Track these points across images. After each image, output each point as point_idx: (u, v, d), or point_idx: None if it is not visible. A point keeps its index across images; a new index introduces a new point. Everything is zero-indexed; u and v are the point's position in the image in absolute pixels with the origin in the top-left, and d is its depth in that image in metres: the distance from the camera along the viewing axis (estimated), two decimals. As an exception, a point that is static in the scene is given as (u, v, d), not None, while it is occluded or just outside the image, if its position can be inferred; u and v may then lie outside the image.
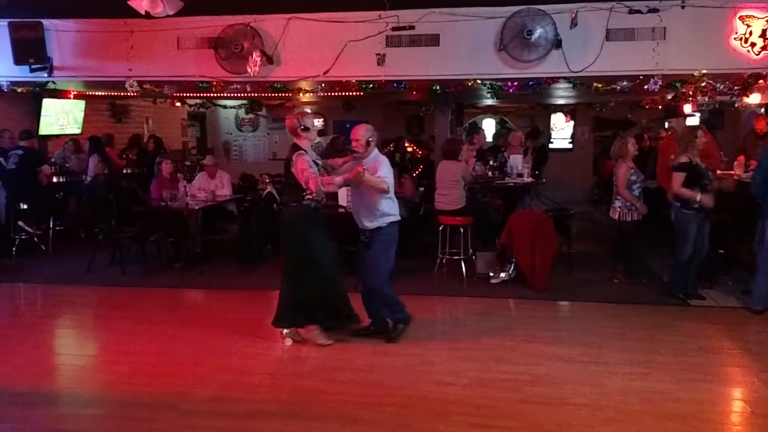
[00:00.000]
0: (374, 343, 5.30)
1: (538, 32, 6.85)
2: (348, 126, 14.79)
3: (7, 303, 7.14)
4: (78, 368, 4.98)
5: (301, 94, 9.25)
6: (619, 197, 6.90)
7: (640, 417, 3.94)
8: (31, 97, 9.41)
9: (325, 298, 5.23)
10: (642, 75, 7.04)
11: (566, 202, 9.09)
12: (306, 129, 5.11)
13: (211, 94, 10.90)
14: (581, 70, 7.00)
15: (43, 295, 7.27)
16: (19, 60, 7.79)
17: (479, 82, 7.51)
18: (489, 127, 15.40)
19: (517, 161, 8.42)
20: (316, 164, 5.09)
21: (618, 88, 7.59)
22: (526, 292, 6.81)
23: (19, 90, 8.63)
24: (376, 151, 5.24)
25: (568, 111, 15.15)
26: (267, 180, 9.36)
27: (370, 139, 5.13)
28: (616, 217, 6.97)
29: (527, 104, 14.35)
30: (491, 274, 7.26)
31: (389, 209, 5.21)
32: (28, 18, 7.69)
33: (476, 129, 11.85)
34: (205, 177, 8.70)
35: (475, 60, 7.25)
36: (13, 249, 8.56)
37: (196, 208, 7.84)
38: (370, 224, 5.15)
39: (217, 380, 4.54)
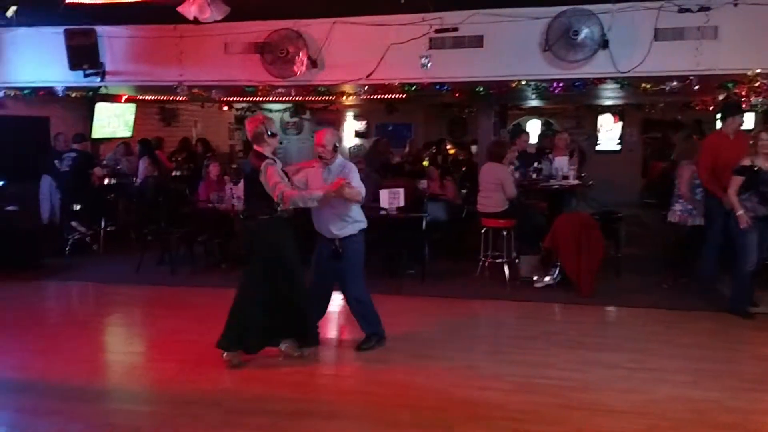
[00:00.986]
0: (415, 346, 5.29)
1: (584, 32, 6.74)
2: (390, 129, 15.05)
3: (59, 301, 7.41)
4: (127, 365, 5.13)
5: (344, 97, 9.31)
6: (680, 200, 6.71)
7: (687, 426, 3.83)
8: (84, 102, 9.75)
9: (301, 313, 4.93)
10: (692, 75, 6.85)
11: (614, 205, 8.89)
12: (273, 135, 4.82)
13: (257, 98, 11.07)
14: (629, 71, 6.84)
15: (94, 293, 7.51)
16: (73, 66, 8.06)
17: (524, 83, 7.43)
18: (534, 128, 15.21)
19: (562, 163, 8.29)
20: (285, 174, 4.84)
21: (667, 88, 7.40)
22: (571, 297, 6.70)
23: (73, 95, 8.93)
24: (340, 157, 5.05)
25: (616, 112, 14.84)
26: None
27: (337, 144, 4.99)
28: (676, 220, 6.78)
29: (573, 105, 14.12)
30: (535, 278, 7.17)
31: (359, 216, 5.07)
32: (81, 25, 7.96)
33: (519, 131, 11.73)
34: (250, 179, 8.83)
35: (520, 61, 7.17)
36: (66, 248, 8.88)
37: (240, 209, 7.97)
38: (340, 232, 4.97)
39: (261, 379, 4.61)
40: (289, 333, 4.93)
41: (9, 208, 8.19)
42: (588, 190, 8.76)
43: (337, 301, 6.91)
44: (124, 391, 4.59)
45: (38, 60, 8.35)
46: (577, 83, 7.37)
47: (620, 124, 15.00)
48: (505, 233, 7.26)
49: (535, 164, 8.64)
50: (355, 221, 5.01)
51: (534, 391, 4.33)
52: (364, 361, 5.03)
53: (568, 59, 6.90)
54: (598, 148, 14.84)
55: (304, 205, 4.79)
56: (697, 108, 12.23)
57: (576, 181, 8.22)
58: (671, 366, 4.78)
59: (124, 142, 10.81)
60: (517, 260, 7.37)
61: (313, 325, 5.07)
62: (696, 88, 7.21)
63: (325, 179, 4.90)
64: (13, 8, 6.56)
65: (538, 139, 13.53)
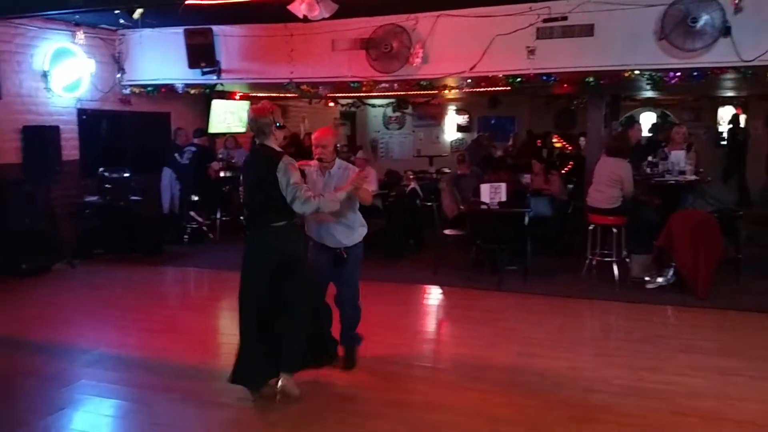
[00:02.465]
0: (517, 344, 5.21)
1: (704, 19, 6.34)
2: (493, 122, 14.81)
3: (178, 285, 7.92)
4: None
5: (446, 91, 9.28)
6: None
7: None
8: (201, 98, 10.32)
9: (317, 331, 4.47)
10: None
11: (734, 203, 8.32)
12: (281, 127, 4.17)
13: (362, 94, 11.26)
14: (753, 60, 6.36)
15: (209, 279, 7.96)
16: (192, 64, 8.55)
17: (637, 73, 7.09)
18: (648, 120, 14.47)
19: (679, 157, 7.82)
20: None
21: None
22: (686, 299, 6.33)
23: (192, 92, 9.47)
24: (339, 159, 4.52)
25: (739, 104, 13.81)
26: (411, 176, 9.53)
27: (338, 146, 4.62)
28: None
29: (691, 96, 13.28)
30: (647, 278, 6.83)
31: (362, 221, 4.63)
32: (199, 25, 8.43)
33: (631, 123, 11.19)
34: (354, 173, 9.01)
35: (633, 50, 6.85)
36: (185, 236, 9.47)
37: (345, 202, 8.14)
38: (349, 241, 4.49)
39: (360, 366, 4.68)
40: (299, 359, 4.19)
41: (133, 198, 8.84)
42: (706, 187, 8.22)
43: (435, 296, 6.96)
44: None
45: (160, 59, 8.94)
46: (695, 73, 6.93)
47: (744, 116, 13.95)
48: (615, 230, 6.96)
49: (649, 158, 8.21)
50: (361, 226, 4.59)
51: (642, 396, 4.14)
52: (462, 357, 5.01)
53: (686, 48, 6.52)
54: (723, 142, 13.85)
55: (328, 209, 4.14)
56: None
57: (693, 177, 7.75)
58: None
59: (233, 135, 11.30)
60: (627, 259, 7.05)
61: (329, 339, 4.67)
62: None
63: (326, 184, 4.37)
64: (139, 11, 7.06)
65: (651, 131, 12.86)
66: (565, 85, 8.43)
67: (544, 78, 7.51)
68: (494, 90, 9.50)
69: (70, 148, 8.62)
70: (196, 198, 9.56)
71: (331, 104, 14.30)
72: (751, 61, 6.39)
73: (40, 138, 7.99)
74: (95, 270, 7.95)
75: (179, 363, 4.82)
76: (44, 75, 8.23)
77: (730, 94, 12.45)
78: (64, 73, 8.43)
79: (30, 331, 5.62)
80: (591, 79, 7.58)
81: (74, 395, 4.29)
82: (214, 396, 4.27)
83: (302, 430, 3.75)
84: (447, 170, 11.19)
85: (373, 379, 4.49)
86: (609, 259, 7.00)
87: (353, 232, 4.52)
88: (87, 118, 8.93)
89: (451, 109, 15.74)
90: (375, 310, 6.23)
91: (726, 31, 6.29)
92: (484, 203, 7.15)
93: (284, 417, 3.91)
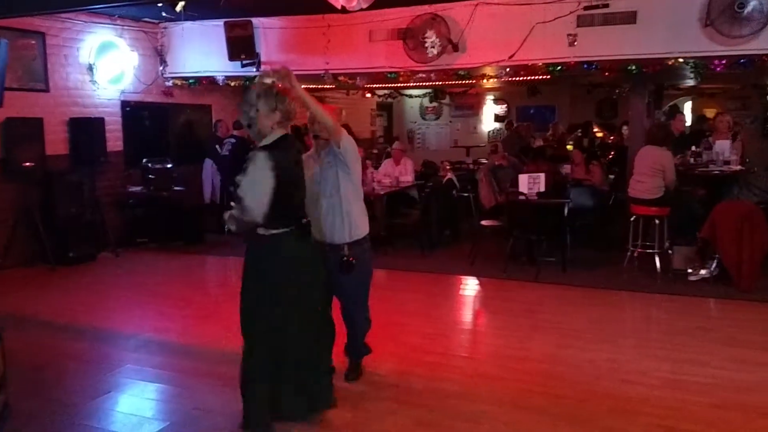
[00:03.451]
0: (555, 335, 5.16)
1: (752, 4, 6.15)
2: (532, 112, 14.62)
3: (218, 273, 8.08)
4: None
5: (484, 81, 9.19)
6: None
7: None
8: (241, 90, 10.45)
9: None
10: None
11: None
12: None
13: (399, 85, 11.25)
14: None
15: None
16: (232, 56, 8.68)
17: (681, 60, 6.92)
18: (694, 111, 14.11)
19: (723, 147, 7.63)
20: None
21: None
22: (730, 292, 6.18)
23: (232, 84, 9.62)
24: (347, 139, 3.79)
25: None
26: (447, 167, 9.50)
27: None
28: None
29: (738, 85, 12.87)
30: (690, 270, 6.68)
31: (363, 211, 4.00)
32: (239, 17, 8.53)
33: (675, 112, 10.93)
34: (390, 163, 9.05)
35: (677, 37, 6.69)
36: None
37: (382, 193, 8.19)
38: (350, 237, 3.83)
39: (397, 355, 4.72)
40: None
41: (176, 188, 9.03)
42: (752, 177, 7.99)
43: (471, 287, 6.94)
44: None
45: (201, 51, 9.10)
46: (742, 60, 6.73)
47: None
48: (657, 222, 6.83)
49: (693, 148, 8.02)
50: (363, 214, 3.95)
51: (683, 389, 4.07)
52: (499, 348, 5.00)
53: (732, 34, 6.34)
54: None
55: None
56: None
57: (738, 167, 7.54)
58: None
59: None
60: (670, 251, 6.90)
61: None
62: None
63: (323, 169, 3.82)
64: (181, 3, 7.18)
65: (696, 121, 12.54)
66: (607, 74, 8.27)
67: (585, 66, 7.39)
68: (534, 79, 9.38)
69: (115, 139, 8.85)
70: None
71: (368, 95, 14.32)
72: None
73: (86, 129, 8.23)
74: (139, 258, 8.17)
75: (221, 349, 4.90)
76: (90, 68, 8.47)
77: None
78: (108, 65, 8.65)
79: (77, 317, 5.82)
80: (633, 67, 7.42)
81: (119, 379, 4.43)
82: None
83: (344, 414, 3.79)
84: (484, 161, 11.12)
85: (411, 368, 4.51)
86: (651, 251, 6.87)
87: (356, 228, 3.84)
88: (130, 110, 9.15)
89: (489, 99, 15.61)
90: (411, 299, 6.31)
91: (771, 20, 6.10)
92: (522, 194, 7.08)
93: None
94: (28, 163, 7.49)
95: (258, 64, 8.75)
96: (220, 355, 4.79)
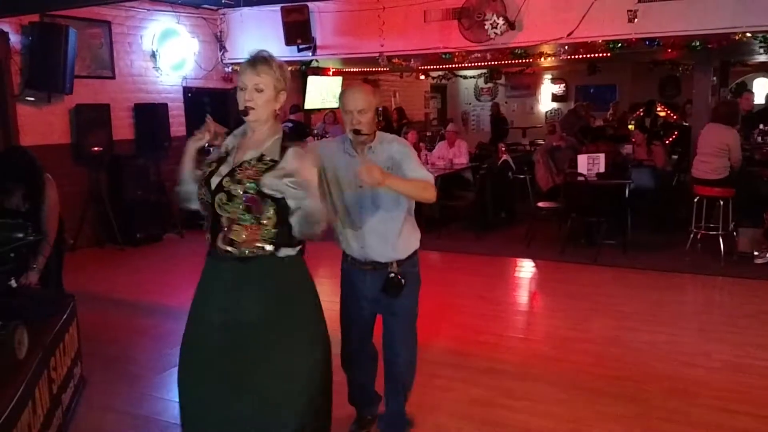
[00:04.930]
0: (615, 318, 5.08)
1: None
2: (591, 91, 14.28)
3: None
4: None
5: (541, 59, 9.03)
6: None
7: None
8: (297, 75, 10.59)
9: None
10: None
11: None
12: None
13: (453, 65, 11.16)
14: None
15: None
16: (288, 41, 8.79)
17: (749, 35, 6.62)
18: (762, 87, 13.47)
19: (794, 125, 7.29)
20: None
21: None
22: (798, 276, 5.95)
23: (289, 68, 9.73)
24: (382, 133, 2.96)
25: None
26: (503, 149, 9.41)
27: (380, 110, 3.41)
28: None
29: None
30: (756, 253, 6.44)
31: (414, 223, 3.10)
32: (295, 2, 8.62)
33: (742, 90, 10.46)
34: (444, 146, 9.02)
35: (746, 10, 6.39)
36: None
37: (435, 175, 8.18)
38: (399, 253, 2.96)
39: (454, 335, 4.76)
40: None
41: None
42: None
43: (527, 269, 6.89)
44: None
45: (259, 36, 9.23)
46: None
47: None
48: (721, 203, 6.59)
49: (761, 126, 7.69)
50: (415, 229, 3.08)
51: (744, 372, 3.97)
52: (556, 328, 4.97)
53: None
54: None
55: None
56: None
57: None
58: None
59: (332, 110, 11.56)
60: (735, 233, 6.67)
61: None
62: None
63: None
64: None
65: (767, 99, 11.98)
66: (669, 50, 8.00)
67: (647, 43, 7.16)
68: (593, 57, 9.15)
69: (178, 124, 9.12)
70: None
71: (422, 77, 14.27)
72: None
73: (150, 115, 8.52)
74: (202, 239, 8.37)
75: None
76: (153, 55, 8.74)
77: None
78: (170, 52, 8.91)
79: (145, 295, 6.09)
80: (697, 43, 7.15)
81: (185, 353, 4.62)
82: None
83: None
84: (541, 142, 10.95)
85: (466, 347, 4.54)
86: (714, 233, 6.65)
87: (407, 240, 3.00)
88: (192, 95, 9.40)
89: (547, 78, 15.30)
90: (465, 281, 6.32)
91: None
92: (581, 174, 6.96)
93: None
94: (96, 148, 7.82)
95: (314, 49, 8.84)
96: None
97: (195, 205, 2.51)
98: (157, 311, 5.55)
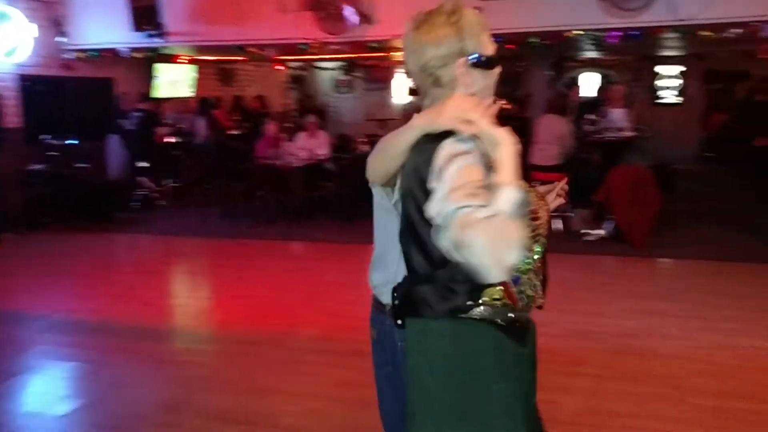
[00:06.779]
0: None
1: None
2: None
3: (130, 252, 7.88)
4: (195, 309, 5.48)
5: (398, 53, 9.33)
6: None
7: (732, 370, 3.88)
8: (147, 63, 10.09)
9: None
10: (755, 21, 6.59)
11: (675, 159, 8.73)
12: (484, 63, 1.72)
13: (310, 56, 11.19)
14: (689, 18, 6.64)
15: (161, 245, 7.93)
16: (136, 27, 8.35)
17: (579, 33, 7.29)
18: (592, 81, 14.80)
19: (617, 116, 8.15)
20: None
21: (732, 35, 7.14)
22: (625, 250, 6.68)
23: (137, 56, 9.26)
24: None
25: (678, 63, 14.28)
26: (363, 140, 9.62)
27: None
28: None
29: (632, 57, 13.66)
30: (587, 231, 7.17)
31: None
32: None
33: (572, 84, 11.50)
34: (305, 136, 9.05)
35: (574, 10, 7.04)
36: (135, 203, 9.36)
37: (297, 166, 8.22)
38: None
39: (320, 322, 4.85)
40: None
41: (80, 165, 8.66)
42: (644, 143, 8.58)
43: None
44: (191, 333, 4.92)
45: (103, 22, 8.69)
46: (633, 32, 7.19)
47: (681, 75, 14.45)
48: (558, 187, 7.21)
49: (588, 116, 8.52)
50: None
51: (587, 338, 4.43)
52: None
53: (625, 7, 6.74)
54: (659, 100, 14.34)
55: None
56: (760, 57, 11.66)
57: (631, 133, 8.09)
58: (720, 315, 4.77)
59: (183, 100, 11.14)
60: (570, 214, 7.36)
61: None
62: (763, 35, 6.91)
63: None
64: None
65: (598, 92, 13.20)
66: (506, 46, 8.58)
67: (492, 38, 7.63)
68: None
69: (13, 115, 8.36)
70: (144, 164, 9.43)
71: (281, 68, 14.14)
72: (686, 20, 6.66)
73: (-22, 105, 7.74)
74: (45, 239, 7.82)
75: (136, 326, 4.86)
76: (-19, 40, 7.92)
77: (670, 53, 12.86)
78: (3, 37, 8.12)
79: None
80: (535, 39, 7.75)
81: (30, 361, 4.31)
82: (172, 356, 4.39)
83: (266, 380, 3.88)
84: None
85: (333, 333, 4.64)
86: (554, 214, 7.25)
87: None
88: (29, 84, 8.64)
89: (402, 72, 15.75)
90: (330, 269, 6.42)
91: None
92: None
93: (240, 375, 4.04)
94: None
95: (164, 35, 8.48)
96: (135, 331, 4.75)
97: None
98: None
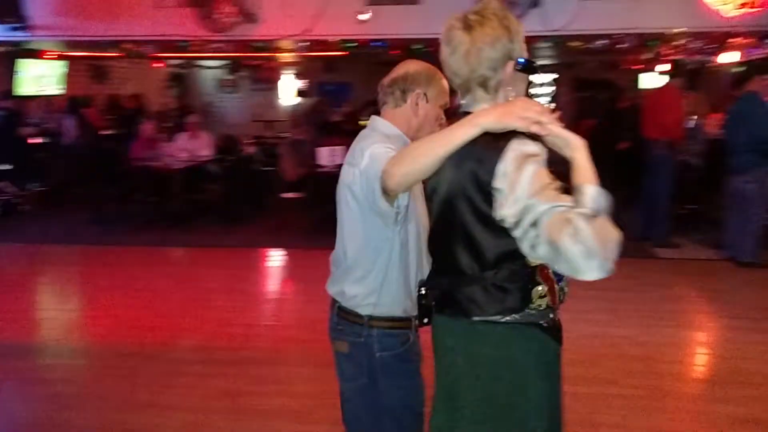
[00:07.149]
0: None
1: (517, -8, 6.88)
2: (330, 88, 14.89)
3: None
4: (61, 322, 5.08)
5: (282, 54, 9.22)
6: None
7: (603, 359, 4.11)
8: (10, 58, 9.30)
9: None
10: (618, 33, 7.12)
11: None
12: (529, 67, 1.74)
13: (192, 54, 10.80)
14: (557, 30, 7.04)
15: (25, 254, 7.30)
16: (-5, 18, 7.69)
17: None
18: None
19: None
20: None
21: (598, 46, 7.65)
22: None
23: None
24: None
25: (550, 72, 15.18)
26: (249, 141, 9.41)
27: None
28: None
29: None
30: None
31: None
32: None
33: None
34: (186, 137, 8.70)
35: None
36: (-5, 209, 8.60)
37: (178, 168, 7.88)
38: (372, 305, 2.05)
39: (201, 331, 4.66)
40: None
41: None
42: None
43: (277, 258, 6.98)
44: (59, 347, 4.55)
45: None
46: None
47: (554, 84, 15.38)
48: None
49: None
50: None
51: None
52: (307, 313, 5.13)
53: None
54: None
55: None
56: (623, 68, 12.65)
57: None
58: (590, 307, 5.02)
59: (47, 98, 10.37)
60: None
61: None
62: (625, 46, 7.46)
63: None
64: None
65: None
66: (393, 52, 8.73)
67: (373, 44, 7.72)
68: (331, 55, 9.58)
69: None
70: (6, 166, 8.68)
71: (161, 65, 13.55)
72: (556, 30, 7.05)
73: None
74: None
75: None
76: None
77: (544, 62, 13.61)
78: None
79: None
80: (420, 46, 7.92)
81: None
82: (38, 372, 4.05)
83: (139, 395, 3.66)
84: (286, 135, 11.16)
85: (213, 342, 4.47)
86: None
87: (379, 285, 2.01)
88: None
89: (289, 74, 15.59)
90: (213, 275, 6.19)
91: (535, 2, 6.89)
92: (322, 165, 7.26)
93: (113, 390, 3.79)
94: None
95: (28, 28, 7.84)
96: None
97: None
98: None
